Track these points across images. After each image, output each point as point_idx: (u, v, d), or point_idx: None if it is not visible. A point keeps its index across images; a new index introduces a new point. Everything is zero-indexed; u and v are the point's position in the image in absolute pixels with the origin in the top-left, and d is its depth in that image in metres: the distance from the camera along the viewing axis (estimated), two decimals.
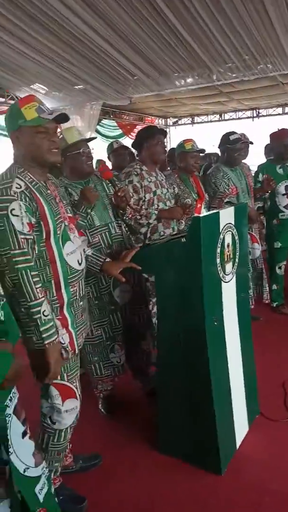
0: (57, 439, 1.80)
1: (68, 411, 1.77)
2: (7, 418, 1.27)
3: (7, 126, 1.69)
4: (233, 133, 3.41)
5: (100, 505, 1.91)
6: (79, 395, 1.82)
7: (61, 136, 2.21)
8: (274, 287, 3.94)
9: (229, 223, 2.02)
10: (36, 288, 1.54)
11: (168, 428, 2.14)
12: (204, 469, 2.03)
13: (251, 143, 3.42)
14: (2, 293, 1.44)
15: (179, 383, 2.03)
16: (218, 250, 1.93)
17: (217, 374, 1.96)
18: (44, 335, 1.55)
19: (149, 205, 2.70)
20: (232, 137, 3.35)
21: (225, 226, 1.98)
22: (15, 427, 1.30)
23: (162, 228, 2.77)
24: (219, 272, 1.96)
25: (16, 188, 1.56)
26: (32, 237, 1.58)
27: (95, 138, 2.59)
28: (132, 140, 3.01)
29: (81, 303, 1.81)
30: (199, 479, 2.00)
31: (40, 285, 1.57)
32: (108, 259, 2.02)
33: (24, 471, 1.30)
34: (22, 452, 1.31)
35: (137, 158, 2.94)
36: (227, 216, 2.01)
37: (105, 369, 2.41)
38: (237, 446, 2.17)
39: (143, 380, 2.67)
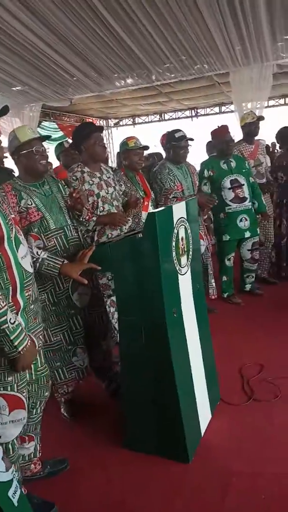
0: (6, 452, 1.69)
1: (14, 422, 1.68)
2: None
3: None
4: (178, 130, 3.49)
5: (72, 507, 1.89)
6: (27, 405, 1.75)
7: (14, 135, 2.14)
8: (224, 278, 4.08)
9: (182, 217, 2.08)
10: (2, 299, 1.47)
11: (134, 423, 2.16)
12: (172, 460, 2.06)
13: (192, 139, 3.52)
14: None
15: (143, 377, 2.05)
16: (173, 244, 1.98)
17: (179, 364, 2.01)
18: (16, 343, 1.49)
19: (94, 208, 2.65)
20: (177, 135, 3.43)
21: (178, 220, 2.03)
22: None
23: (109, 230, 2.73)
24: (176, 265, 2.00)
25: None
26: None
27: (50, 137, 2.51)
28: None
29: (32, 306, 1.76)
30: (168, 469, 2.03)
31: (1, 293, 1.50)
32: (65, 261, 1.99)
33: None
34: None
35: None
36: (179, 210, 2.06)
37: (68, 373, 2.37)
38: (202, 433, 2.23)
39: (105, 379, 2.66)
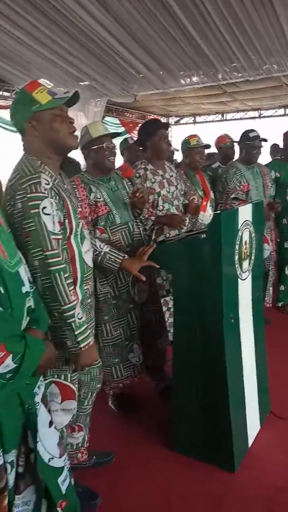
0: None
1: (64, 411, 1.71)
2: (36, 405, 1.26)
3: (16, 115, 1.57)
4: (252, 130, 3.43)
5: (113, 501, 1.91)
6: (77, 396, 1.78)
7: (86, 129, 2.19)
8: (282, 287, 3.95)
9: (247, 220, 2.02)
10: (70, 291, 1.47)
11: (181, 426, 2.14)
12: (217, 467, 2.03)
13: (266, 140, 3.43)
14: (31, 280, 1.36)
15: (194, 380, 2.02)
16: (237, 247, 1.93)
17: (232, 371, 1.96)
18: (79, 339, 1.49)
19: (154, 207, 2.65)
20: (251, 134, 3.36)
21: (243, 223, 1.98)
22: (43, 416, 1.29)
23: (167, 229, 2.71)
24: (237, 270, 1.96)
25: (45, 184, 1.48)
26: (61, 236, 1.52)
27: (120, 134, 2.54)
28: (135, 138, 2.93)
29: (89, 300, 1.78)
30: (213, 476, 2.00)
31: (72, 287, 1.51)
32: (126, 256, 2.00)
33: (49, 461, 1.30)
34: (48, 442, 1.30)
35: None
36: (245, 213, 2.01)
37: (125, 370, 2.37)
38: (249, 444, 2.17)
39: (157, 378, 2.65)
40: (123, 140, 4.47)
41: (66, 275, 1.48)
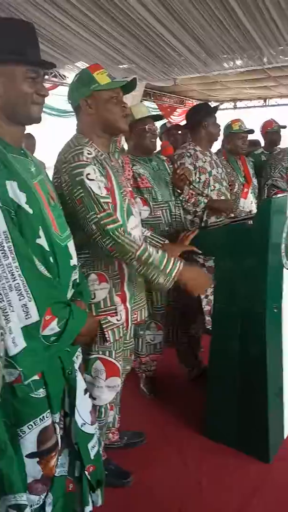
0: (98, 415, 1.77)
1: (109, 387, 1.75)
2: (75, 372, 1.31)
3: (74, 93, 1.63)
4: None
5: (145, 482, 1.92)
6: (122, 373, 1.81)
7: (128, 111, 2.19)
8: None
9: None
10: (135, 240, 1.50)
11: (216, 413, 2.12)
12: (251, 456, 2.00)
13: None
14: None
15: (232, 368, 2.00)
16: (284, 235, 1.87)
17: (272, 361, 1.92)
18: (168, 270, 1.49)
19: (205, 186, 2.63)
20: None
21: None
22: (80, 383, 1.34)
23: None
24: (283, 258, 1.90)
25: (88, 154, 1.53)
26: (109, 199, 1.53)
27: (162, 117, 2.54)
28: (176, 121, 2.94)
29: (140, 279, 1.79)
30: (246, 465, 1.98)
31: (133, 236, 1.53)
32: (166, 241, 1.98)
33: (81, 426, 1.34)
34: (82, 408, 1.34)
35: (189, 138, 2.86)
36: None
37: (142, 346, 2.39)
38: (285, 435, 2.14)
39: (190, 364, 2.65)
40: (162, 124, 4.44)
41: (122, 229, 1.49)
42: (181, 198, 2.35)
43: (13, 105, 1.16)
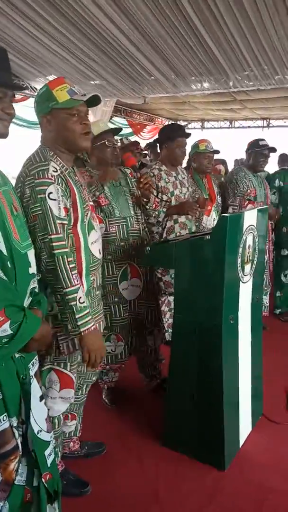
0: (52, 426, 1.74)
1: (62, 399, 1.76)
2: (30, 378, 1.31)
3: (37, 108, 1.66)
4: (262, 139, 3.49)
5: (103, 491, 1.93)
6: (75, 384, 1.82)
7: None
8: (278, 293, 4.00)
9: (252, 225, 2.06)
10: (72, 275, 1.52)
11: (174, 422, 2.17)
12: (207, 464, 2.06)
13: (275, 150, 3.47)
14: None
15: (190, 379, 2.06)
16: (240, 250, 1.97)
17: (228, 371, 2.00)
18: (79, 323, 1.53)
19: (166, 205, 2.74)
20: (261, 142, 3.41)
21: (248, 227, 2.02)
22: (35, 389, 1.34)
23: (178, 229, 2.82)
24: (239, 272, 2.00)
25: (53, 171, 1.55)
26: (66, 222, 1.57)
27: (121, 129, 2.60)
28: (140, 139, 3.05)
29: (98, 292, 1.82)
30: (203, 473, 2.03)
31: (75, 271, 1.56)
32: None
33: (38, 433, 1.34)
34: (38, 415, 1.34)
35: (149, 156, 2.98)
36: (250, 217, 2.05)
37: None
38: (240, 444, 2.21)
39: (148, 375, 2.68)
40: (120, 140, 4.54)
41: (69, 259, 1.53)
42: (147, 207, 2.41)
43: None
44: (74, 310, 1.52)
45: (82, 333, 1.55)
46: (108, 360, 2.45)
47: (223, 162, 5.93)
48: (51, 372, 1.72)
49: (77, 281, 1.54)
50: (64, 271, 1.51)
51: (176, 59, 5.37)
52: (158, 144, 3.01)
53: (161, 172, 2.79)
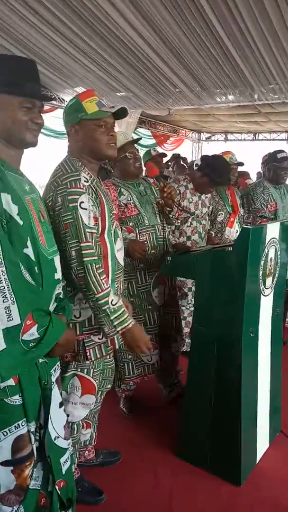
0: (70, 432, 1.76)
1: (83, 405, 1.78)
2: (51, 384, 1.33)
3: (65, 118, 1.72)
4: (280, 151, 3.45)
5: (118, 500, 1.94)
6: (97, 392, 1.85)
7: None
8: None
9: (274, 238, 2.05)
10: (102, 280, 1.56)
11: (190, 434, 2.16)
12: (223, 479, 2.03)
13: None
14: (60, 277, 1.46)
15: (208, 391, 2.04)
16: (262, 263, 1.96)
17: (247, 385, 1.98)
18: (115, 323, 1.56)
19: (182, 222, 2.84)
20: (279, 155, 3.39)
21: (270, 240, 2.01)
22: (56, 395, 1.36)
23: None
24: (260, 285, 1.98)
25: (84, 181, 1.60)
26: (95, 231, 1.61)
27: (141, 139, 2.65)
28: (163, 150, 3.10)
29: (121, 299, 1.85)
30: (218, 488, 2.01)
31: (104, 276, 1.59)
32: None
33: (55, 439, 1.35)
34: (57, 421, 1.36)
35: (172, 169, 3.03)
36: (273, 230, 2.04)
37: (136, 368, 2.43)
38: (257, 460, 2.17)
39: (167, 386, 2.68)
40: (147, 152, 4.59)
41: (97, 266, 1.57)
42: (171, 216, 2.44)
43: (8, 130, 1.25)
44: (108, 312, 1.56)
45: (120, 332, 1.58)
46: (146, 371, 2.46)
47: (245, 175, 5.92)
48: (74, 377, 1.75)
49: (107, 285, 1.58)
50: (94, 278, 1.55)
51: (201, 71, 5.41)
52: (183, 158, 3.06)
53: (187, 191, 2.86)
